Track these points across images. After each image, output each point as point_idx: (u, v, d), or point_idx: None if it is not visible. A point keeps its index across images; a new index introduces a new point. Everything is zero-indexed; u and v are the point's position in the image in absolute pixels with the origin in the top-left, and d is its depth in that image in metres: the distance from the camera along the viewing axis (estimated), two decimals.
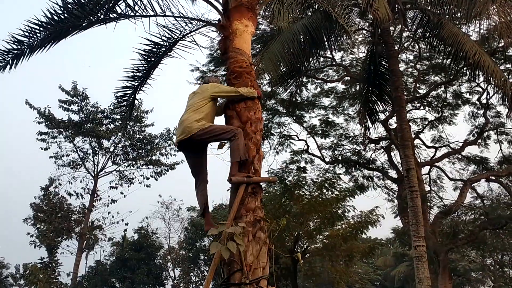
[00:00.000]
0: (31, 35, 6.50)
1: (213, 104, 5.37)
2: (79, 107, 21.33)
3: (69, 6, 6.33)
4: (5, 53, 6.66)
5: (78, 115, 21.35)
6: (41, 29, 6.46)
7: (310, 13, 12.06)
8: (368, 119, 14.95)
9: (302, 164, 20.35)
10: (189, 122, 5.12)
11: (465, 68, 15.13)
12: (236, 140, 5.06)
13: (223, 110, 5.63)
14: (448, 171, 20.30)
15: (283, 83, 15.91)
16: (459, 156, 20.11)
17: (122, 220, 22.83)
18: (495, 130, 19.46)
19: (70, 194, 21.45)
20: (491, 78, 12.27)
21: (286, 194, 17.91)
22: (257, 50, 15.77)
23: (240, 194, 4.93)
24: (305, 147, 20.42)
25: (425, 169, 20.05)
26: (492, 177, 18.84)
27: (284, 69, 13.69)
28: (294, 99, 18.62)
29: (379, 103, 14.68)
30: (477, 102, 19.19)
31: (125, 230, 25.80)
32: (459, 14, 13.74)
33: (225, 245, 4.28)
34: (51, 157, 21.57)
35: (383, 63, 13.86)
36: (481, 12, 11.71)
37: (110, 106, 21.24)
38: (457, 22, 14.33)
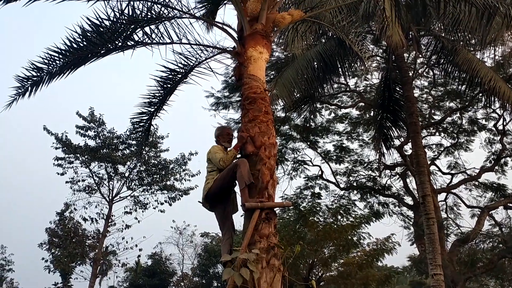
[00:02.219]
0: (50, 62, 6.64)
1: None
2: (95, 133, 21.56)
3: (88, 34, 6.47)
4: (25, 80, 6.80)
5: (95, 141, 21.57)
6: (60, 56, 6.59)
7: (324, 40, 12.15)
8: (383, 145, 14.83)
9: (317, 190, 20.22)
10: (203, 189, 5.62)
11: (480, 94, 15.05)
12: (239, 169, 5.19)
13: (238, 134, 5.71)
14: (465, 198, 19.98)
15: (297, 108, 15.94)
16: (476, 183, 19.79)
17: (136, 245, 22.71)
18: None
19: (85, 219, 21.48)
20: (507, 104, 12.16)
21: (300, 220, 17.75)
22: (271, 77, 15.91)
23: (254, 220, 4.90)
24: (320, 173, 20.32)
25: (441, 196, 19.76)
26: (510, 204, 18.47)
27: (298, 95, 13.75)
28: (308, 125, 18.63)
29: (394, 129, 14.58)
30: (493, 128, 18.98)
31: (139, 256, 25.66)
32: (473, 41, 13.73)
33: (238, 271, 4.24)
34: (67, 182, 21.73)
35: (398, 89, 13.83)
36: (496, 38, 11.71)
37: (126, 131, 21.45)
38: (472, 49, 14.32)
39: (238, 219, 5.60)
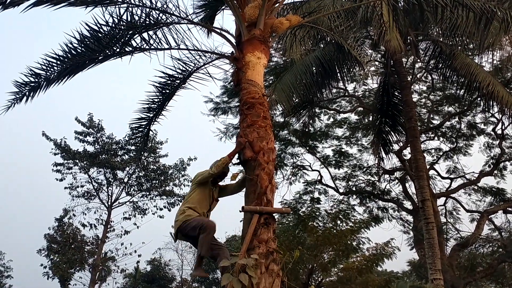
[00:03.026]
0: (48, 68, 6.65)
1: (202, 189, 5.50)
2: (94, 139, 21.57)
3: (86, 40, 6.48)
4: (22, 86, 6.80)
5: (94, 146, 21.58)
6: (58, 62, 6.60)
7: (322, 45, 12.18)
8: (382, 150, 14.85)
9: (316, 194, 20.19)
10: (177, 215, 5.38)
11: (479, 99, 15.04)
12: (203, 234, 5.06)
13: (236, 139, 5.70)
14: (464, 202, 19.94)
15: (296, 113, 15.96)
16: (475, 187, 19.78)
17: (135, 251, 22.63)
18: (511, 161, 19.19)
19: (84, 225, 21.44)
20: (506, 109, 12.20)
21: (299, 225, 17.71)
22: (270, 82, 15.93)
23: (253, 225, 4.89)
24: (319, 178, 20.30)
25: (440, 201, 19.73)
26: (510, 209, 18.45)
27: (296, 100, 13.76)
28: (307, 130, 18.62)
29: (392, 133, 14.61)
30: (492, 133, 18.99)
31: (138, 262, 25.57)
32: (471, 45, 13.77)
33: (237, 277, 4.22)
34: (66, 188, 21.72)
35: (396, 93, 13.86)
36: (494, 43, 11.74)
37: (125, 137, 21.47)
38: (470, 53, 14.35)
39: (237, 224, 5.57)
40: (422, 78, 18.45)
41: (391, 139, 14.78)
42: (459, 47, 12.84)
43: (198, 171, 5.71)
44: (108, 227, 21.82)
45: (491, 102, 12.89)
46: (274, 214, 5.25)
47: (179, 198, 22.78)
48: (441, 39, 13.04)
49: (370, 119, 17.94)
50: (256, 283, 4.41)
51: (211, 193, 5.56)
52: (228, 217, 5.72)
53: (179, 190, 22.66)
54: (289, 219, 18.52)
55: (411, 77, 17.05)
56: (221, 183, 5.75)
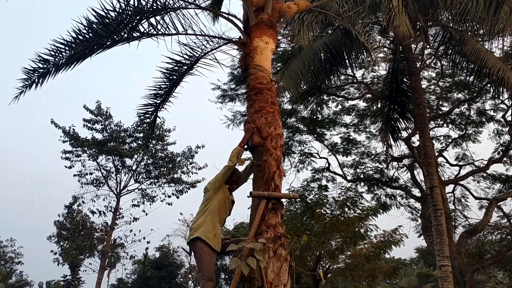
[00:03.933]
0: (57, 54, 6.65)
1: (220, 195, 5.37)
2: (102, 126, 21.64)
3: (94, 26, 6.46)
4: (31, 72, 6.82)
5: (102, 134, 21.67)
6: (66, 48, 6.60)
7: (330, 31, 12.07)
8: (390, 137, 14.75)
9: (324, 182, 20.18)
10: (195, 225, 5.26)
11: (488, 85, 14.88)
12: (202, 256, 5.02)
13: (244, 125, 5.68)
14: (473, 189, 19.83)
15: (303, 100, 15.88)
16: (484, 175, 19.65)
17: (144, 238, 22.83)
18: None
19: (93, 212, 21.63)
20: None
21: (307, 212, 17.76)
22: (278, 69, 15.84)
23: (261, 209, 4.91)
24: (326, 165, 20.27)
25: (449, 188, 19.64)
26: None
27: (304, 87, 13.69)
28: (315, 117, 18.56)
29: (401, 120, 14.49)
30: (502, 120, 18.82)
31: (147, 248, 25.80)
32: (481, 31, 13.58)
33: (245, 261, 4.24)
34: (75, 175, 21.87)
35: (405, 80, 13.73)
36: (504, 28, 11.57)
37: (133, 125, 21.51)
38: (480, 39, 14.16)
39: (245, 212, 5.55)
40: (431, 64, 18.26)
41: (399, 126, 14.68)
42: (469, 33, 12.66)
43: (209, 179, 5.60)
44: (117, 214, 22.00)
45: (500, 89, 12.72)
46: (281, 200, 5.27)
47: (187, 186, 22.87)
48: (451, 25, 12.86)
49: (379, 106, 17.82)
50: (264, 267, 4.44)
51: (228, 197, 5.50)
52: (235, 204, 5.66)
53: (187, 178, 22.76)
54: (297, 206, 18.57)
55: (420, 63, 16.88)
56: None
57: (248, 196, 5.14)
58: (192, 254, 5.42)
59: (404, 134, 16.27)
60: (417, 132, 13.85)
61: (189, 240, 5.24)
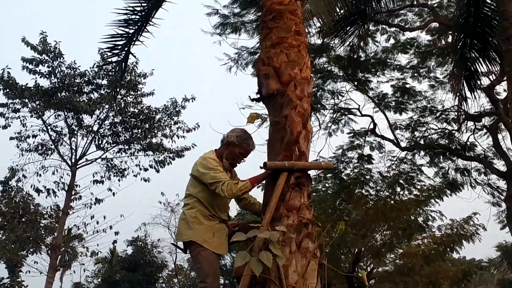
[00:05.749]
0: None
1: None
2: (50, 69, 21.54)
3: None
4: None
5: (49, 80, 21.61)
6: None
7: None
8: (465, 85, 14.69)
9: (366, 150, 20.26)
10: (181, 223, 5.51)
11: None
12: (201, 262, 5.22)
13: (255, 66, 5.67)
14: None
15: (340, 32, 15.75)
16: None
17: (111, 227, 23.03)
18: None
19: (38, 191, 21.75)
20: None
21: (342, 193, 17.89)
22: None
23: (280, 186, 4.92)
24: (371, 127, 20.29)
25: None
26: None
27: (342, 12, 13.56)
28: (355, 56, 18.44)
29: (481, 61, 14.39)
30: None
31: (115, 242, 26.10)
32: None
33: (257, 256, 4.23)
34: (11, 138, 21.96)
35: (489, 1, 13.57)
36: None
37: (93, 66, 21.39)
38: None
39: (254, 190, 5.46)
40: None
41: (479, 70, 14.59)
42: None
43: (201, 157, 5.51)
44: (73, 193, 22.20)
45: None
46: (309, 172, 5.28)
47: (171, 155, 22.96)
48: None
49: (449, 40, 17.66)
50: (284, 266, 4.47)
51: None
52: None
53: (171, 143, 22.80)
54: (327, 185, 18.69)
55: None
56: None
57: (261, 167, 5.14)
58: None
59: (486, 81, 16.18)
60: (505, 78, 13.76)
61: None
